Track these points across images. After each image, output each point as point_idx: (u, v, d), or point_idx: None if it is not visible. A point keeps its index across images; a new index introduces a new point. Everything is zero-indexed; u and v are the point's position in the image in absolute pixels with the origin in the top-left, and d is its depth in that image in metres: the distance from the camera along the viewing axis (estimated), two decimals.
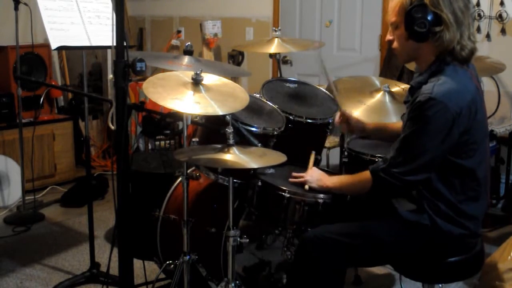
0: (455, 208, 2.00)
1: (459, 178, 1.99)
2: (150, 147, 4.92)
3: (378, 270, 3.20)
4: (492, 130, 3.56)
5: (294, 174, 2.35)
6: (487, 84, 3.91)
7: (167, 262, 2.54)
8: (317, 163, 2.77)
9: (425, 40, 1.95)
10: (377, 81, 3.05)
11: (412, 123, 1.94)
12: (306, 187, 2.26)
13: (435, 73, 1.96)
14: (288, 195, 2.23)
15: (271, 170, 2.40)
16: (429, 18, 1.90)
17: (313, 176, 2.28)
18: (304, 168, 2.41)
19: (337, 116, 2.49)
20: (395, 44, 2.05)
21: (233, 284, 2.26)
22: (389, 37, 2.07)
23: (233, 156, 2.12)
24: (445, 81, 1.91)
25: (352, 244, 2.04)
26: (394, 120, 2.66)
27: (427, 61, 2.01)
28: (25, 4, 3.97)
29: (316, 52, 2.35)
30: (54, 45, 2.81)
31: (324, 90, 3.00)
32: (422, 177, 1.97)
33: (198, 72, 2.22)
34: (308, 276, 2.06)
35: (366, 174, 2.07)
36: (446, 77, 1.93)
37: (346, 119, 2.46)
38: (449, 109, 1.87)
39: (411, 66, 3.13)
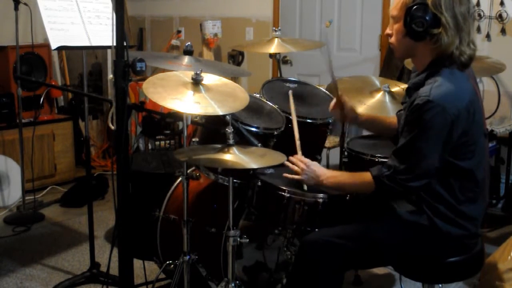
0: (454, 209, 2.00)
1: (458, 179, 1.99)
2: (150, 147, 4.92)
3: (378, 270, 3.20)
4: (492, 130, 3.56)
5: (286, 175, 2.28)
6: (487, 84, 3.91)
7: (167, 262, 2.54)
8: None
9: (421, 39, 1.95)
10: (377, 81, 3.05)
11: (411, 127, 1.93)
12: (305, 187, 2.25)
13: (432, 75, 1.95)
14: (288, 195, 2.22)
15: (271, 170, 2.39)
16: (427, 18, 1.90)
17: (308, 174, 2.21)
18: None
19: (332, 102, 2.41)
20: (392, 39, 2.05)
21: (233, 284, 2.26)
22: (388, 31, 2.07)
23: (233, 156, 2.12)
24: (442, 83, 1.90)
25: (351, 247, 2.03)
26: None
27: (423, 61, 2.01)
28: (25, 4, 3.97)
29: (324, 49, 2.34)
30: (54, 45, 2.81)
31: (324, 90, 3.00)
32: (425, 182, 1.96)
33: (198, 72, 2.22)
34: (308, 280, 2.05)
35: (367, 177, 2.04)
36: (443, 78, 1.92)
37: (341, 105, 2.38)
38: (447, 112, 1.87)
39: (411, 66, 3.13)
